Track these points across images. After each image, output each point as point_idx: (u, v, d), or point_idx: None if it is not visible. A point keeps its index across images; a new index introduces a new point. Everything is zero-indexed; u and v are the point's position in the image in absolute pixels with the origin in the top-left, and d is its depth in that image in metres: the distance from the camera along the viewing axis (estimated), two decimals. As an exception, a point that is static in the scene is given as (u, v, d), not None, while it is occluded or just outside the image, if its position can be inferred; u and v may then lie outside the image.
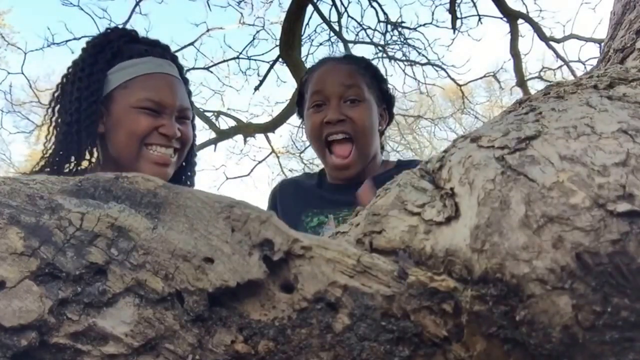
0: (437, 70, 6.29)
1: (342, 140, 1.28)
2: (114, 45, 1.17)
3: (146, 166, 1.12)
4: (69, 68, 1.21)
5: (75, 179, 0.51)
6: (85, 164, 1.18)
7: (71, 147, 1.13)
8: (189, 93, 1.27)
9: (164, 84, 1.16)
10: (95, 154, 1.18)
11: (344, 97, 1.29)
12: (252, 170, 7.04)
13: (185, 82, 1.26)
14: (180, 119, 1.18)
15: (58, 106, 1.19)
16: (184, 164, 1.27)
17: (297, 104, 1.48)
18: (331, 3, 5.49)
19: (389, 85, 1.45)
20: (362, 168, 1.30)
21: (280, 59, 5.28)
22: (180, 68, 1.26)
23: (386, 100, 1.41)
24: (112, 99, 1.14)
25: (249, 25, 6.29)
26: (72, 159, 1.14)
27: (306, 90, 1.37)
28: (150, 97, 1.13)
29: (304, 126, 1.42)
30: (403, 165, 1.32)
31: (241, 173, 6.97)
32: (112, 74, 1.15)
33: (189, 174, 1.31)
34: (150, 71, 1.16)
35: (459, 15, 5.37)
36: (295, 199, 1.38)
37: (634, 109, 0.47)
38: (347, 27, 5.77)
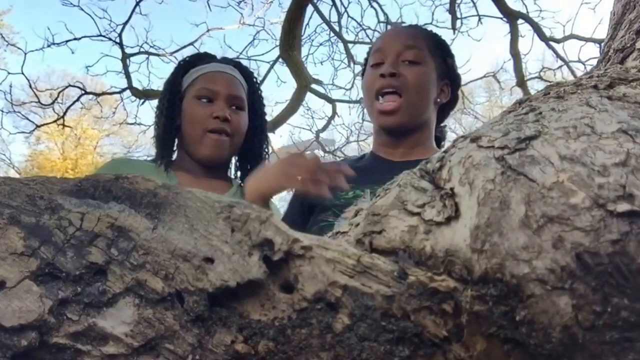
0: (437, 70, 6.27)
1: (392, 92, 1.25)
2: (191, 59, 1.47)
3: (206, 148, 1.34)
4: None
5: (75, 179, 0.51)
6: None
7: (164, 139, 1.40)
8: (256, 97, 1.47)
9: (218, 76, 1.39)
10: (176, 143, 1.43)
11: (402, 57, 1.27)
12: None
13: (252, 85, 1.46)
14: (233, 107, 1.38)
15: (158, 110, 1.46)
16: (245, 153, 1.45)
17: (362, 75, 1.45)
18: (331, 3, 5.50)
19: (456, 64, 1.39)
20: (409, 123, 1.26)
21: (280, 59, 5.28)
22: (247, 75, 1.47)
23: (450, 77, 1.36)
24: (184, 97, 1.40)
25: (249, 25, 6.29)
26: (166, 149, 1.40)
27: (370, 54, 1.36)
28: (204, 86, 1.37)
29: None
30: None
31: (241, 173, 6.95)
32: (185, 78, 1.42)
33: (253, 160, 1.46)
34: (210, 70, 1.41)
35: (458, 15, 5.38)
36: None
37: (634, 109, 0.47)
38: (347, 27, 5.78)
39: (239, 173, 1.51)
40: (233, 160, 1.50)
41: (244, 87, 1.44)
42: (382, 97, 1.26)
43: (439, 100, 1.33)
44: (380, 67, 1.29)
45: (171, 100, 1.41)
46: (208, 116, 1.34)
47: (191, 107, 1.37)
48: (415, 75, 1.26)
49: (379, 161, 1.33)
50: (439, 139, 1.42)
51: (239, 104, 1.39)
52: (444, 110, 1.40)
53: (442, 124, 1.43)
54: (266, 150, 1.50)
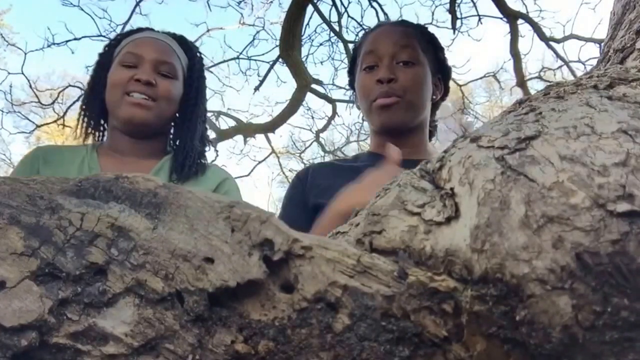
0: (437, 70, 6.28)
1: (391, 97, 1.24)
2: (125, 33, 1.37)
3: (124, 110, 1.23)
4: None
5: (75, 179, 0.51)
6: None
7: (91, 113, 1.32)
8: (195, 72, 1.35)
9: (146, 41, 1.29)
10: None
11: (396, 58, 1.24)
12: (252, 171, 7.04)
13: (192, 59, 1.35)
14: (162, 74, 1.27)
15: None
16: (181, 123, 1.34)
17: (348, 71, 1.44)
18: (331, 3, 5.49)
19: (446, 56, 1.38)
20: (409, 121, 1.25)
21: (280, 59, 5.28)
22: (188, 48, 1.36)
23: (442, 70, 1.35)
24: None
25: (249, 25, 6.29)
26: (92, 123, 1.33)
27: (359, 53, 1.33)
28: (129, 51, 1.26)
29: (354, 92, 1.37)
30: None
31: (241, 173, 6.97)
32: (116, 51, 1.31)
33: (188, 130, 1.33)
34: (140, 36, 1.31)
35: (459, 15, 5.37)
36: (333, 177, 1.31)
37: (634, 109, 0.47)
38: (347, 27, 5.78)
39: (172, 153, 1.37)
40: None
41: (179, 57, 1.33)
42: (380, 99, 1.24)
43: (434, 97, 1.32)
44: (374, 70, 1.26)
45: (96, 73, 1.31)
46: (129, 79, 1.24)
47: (113, 72, 1.27)
48: (412, 77, 1.24)
49: (380, 159, 1.31)
50: (431, 133, 1.41)
51: (168, 70, 1.28)
52: (437, 104, 1.39)
53: (434, 119, 1.41)
54: (203, 127, 1.38)
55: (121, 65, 1.27)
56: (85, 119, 1.34)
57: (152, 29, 1.37)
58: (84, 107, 1.34)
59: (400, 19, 1.58)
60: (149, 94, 1.24)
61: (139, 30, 1.37)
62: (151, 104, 1.24)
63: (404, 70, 1.24)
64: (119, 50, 1.31)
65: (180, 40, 1.38)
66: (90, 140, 1.37)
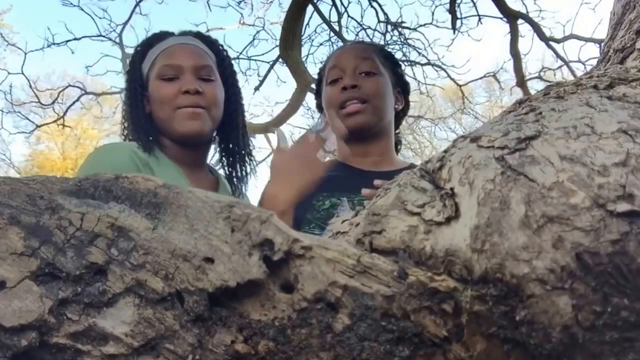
0: (437, 71, 6.29)
1: (357, 99, 1.32)
2: (146, 41, 1.32)
3: (180, 124, 1.21)
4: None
5: (75, 179, 0.51)
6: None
7: (141, 132, 1.25)
8: (227, 65, 1.33)
9: (178, 49, 1.26)
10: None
11: (358, 69, 1.34)
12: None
13: (218, 53, 1.32)
14: (203, 79, 1.24)
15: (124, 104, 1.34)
16: (226, 130, 1.31)
17: (315, 94, 1.51)
18: (331, 3, 5.49)
19: (404, 73, 1.50)
20: (375, 124, 1.33)
21: (280, 59, 5.28)
22: (211, 43, 1.33)
23: (400, 84, 1.45)
24: (148, 82, 1.27)
25: (249, 25, 6.29)
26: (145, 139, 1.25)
27: (324, 73, 1.42)
28: (166, 63, 1.23)
29: (322, 113, 1.43)
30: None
31: (241, 173, 6.95)
32: (144, 64, 1.28)
33: (234, 138, 1.32)
34: (168, 45, 1.27)
35: (459, 15, 5.37)
36: None
37: (634, 109, 0.47)
38: (347, 27, 5.77)
39: (222, 158, 1.35)
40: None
41: (210, 57, 1.30)
42: (346, 105, 1.32)
43: (396, 106, 1.42)
44: (339, 82, 1.34)
45: (133, 89, 1.27)
46: (176, 93, 1.20)
47: (156, 89, 1.23)
48: (374, 84, 1.34)
49: (350, 170, 1.36)
50: (397, 145, 1.50)
51: (208, 74, 1.25)
52: (399, 117, 1.48)
53: (397, 131, 1.50)
54: (243, 122, 1.35)
55: (161, 79, 1.23)
56: (136, 130, 1.27)
57: (172, 33, 1.33)
58: (130, 123, 1.28)
59: (360, 40, 1.81)
60: (200, 103, 1.21)
61: (160, 37, 1.32)
62: (203, 113, 1.22)
63: (366, 80, 1.34)
64: (152, 64, 1.27)
65: (201, 37, 1.34)
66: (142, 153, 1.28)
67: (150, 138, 1.25)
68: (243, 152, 1.32)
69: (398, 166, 1.36)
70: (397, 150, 1.50)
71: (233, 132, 1.32)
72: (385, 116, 1.36)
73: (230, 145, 1.32)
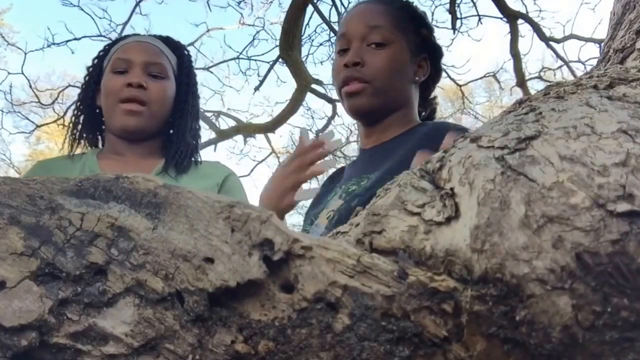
0: (437, 71, 6.28)
1: (357, 80, 1.17)
2: (113, 41, 1.41)
3: (118, 118, 1.27)
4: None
5: (75, 179, 0.51)
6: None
7: (87, 124, 1.36)
8: (185, 70, 1.38)
9: (133, 45, 1.32)
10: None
11: (367, 40, 1.17)
12: (252, 171, 7.04)
13: (181, 58, 1.38)
14: (152, 75, 1.29)
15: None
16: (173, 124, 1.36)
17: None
18: (331, 3, 5.49)
19: (434, 35, 1.30)
20: (379, 106, 1.17)
21: (280, 59, 5.28)
22: (176, 47, 1.39)
23: (429, 49, 1.25)
24: (103, 75, 1.33)
25: (249, 25, 6.29)
26: (91, 134, 1.36)
27: (336, 38, 1.30)
28: (119, 57, 1.29)
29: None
30: (423, 126, 1.19)
31: (241, 173, 6.96)
32: (105, 60, 1.34)
33: (179, 127, 1.35)
34: (127, 41, 1.34)
35: (458, 15, 5.37)
36: (324, 185, 1.33)
37: (634, 109, 0.47)
38: (347, 28, 5.76)
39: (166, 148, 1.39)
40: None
41: (168, 58, 1.35)
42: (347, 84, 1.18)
43: (417, 78, 1.22)
44: (345, 54, 1.19)
45: (87, 83, 1.35)
46: (122, 85, 1.26)
47: (106, 80, 1.30)
48: (381, 60, 1.16)
49: (358, 153, 1.29)
50: (431, 113, 1.35)
51: (159, 71, 1.30)
52: (428, 85, 1.30)
53: (431, 97, 1.33)
54: (193, 127, 1.39)
55: (112, 72, 1.29)
56: (78, 128, 1.37)
57: (137, 34, 1.43)
58: (76, 116, 1.37)
59: None
60: (141, 98, 1.26)
61: (126, 37, 1.41)
62: (142, 109, 1.27)
63: (373, 53, 1.17)
64: (109, 59, 1.33)
65: (167, 40, 1.40)
66: (79, 149, 1.39)
67: (98, 133, 1.36)
68: (182, 148, 1.35)
69: (394, 134, 1.20)
70: (431, 119, 1.32)
71: (177, 129, 1.36)
72: (393, 96, 1.18)
73: (171, 140, 1.36)
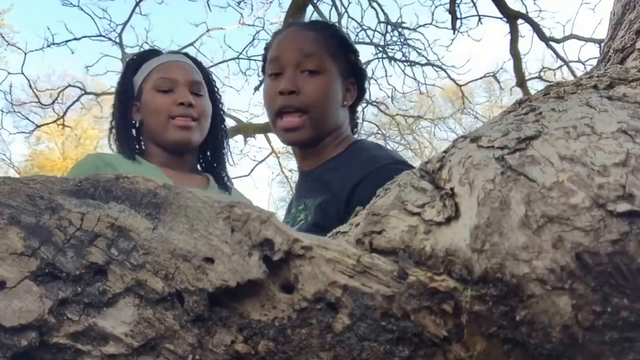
0: (437, 71, 6.30)
1: (293, 112, 1.18)
2: (139, 57, 1.49)
3: (173, 133, 1.36)
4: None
5: (75, 179, 0.51)
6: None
7: (123, 140, 1.42)
8: (212, 84, 1.50)
9: (174, 65, 1.42)
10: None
11: (301, 67, 1.18)
12: (252, 171, 7.04)
13: (203, 71, 1.49)
14: (194, 93, 1.40)
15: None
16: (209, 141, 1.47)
17: (262, 70, 1.38)
18: (331, 3, 5.50)
19: (359, 58, 1.33)
20: (316, 136, 1.20)
21: (280, 59, 5.27)
22: (198, 63, 1.50)
23: (355, 73, 1.28)
24: (141, 92, 1.41)
25: (249, 25, 6.29)
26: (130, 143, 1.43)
27: (267, 56, 1.29)
28: (162, 76, 1.39)
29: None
30: (352, 151, 1.22)
31: (241, 173, 6.96)
32: (137, 76, 1.43)
33: (216, 149, 1.49)
34: (164, 61, 1.44)
35: (458, 15, 5.37)
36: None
37: (634, 109, 0.47)
38: (347, 28, 5.77)
39: (202, 163, 1.50)
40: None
41: (199, 74, 1.46)
42: (284, 116, 1.19)
43: (345, 103, 1.26)
44: (278, 78, 1.20)
45: (123, 100, 1.43)
46: (171, 104, 1.36)
47: (152, 99, 1.38)
48: (317, 87, 1.18)
49: (301, 175, 1.31)
50: (353, 131, 1.36)
51: (199, 89, 1.42)
52: (354, 105, 1.33)
53: (355, 118, 1.36)
54: (226, 140, 1.54)
55: (157, 91, 1.38)
56: (123, 140, 1.42)
57: (160, 51, 1.51)
58: (118, 132, 1.43)
59: (311, 20, 1.51)
60: (193, 114, 1.37)
61: (155, 53, 1.49)
62: (194, 124, 1.37)
63: (308, 81, 1.18)
64: (147, 76, 1.41)
65: (189, 57, 1.51)
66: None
67: (136, 145, 1.44)
68: (223, 160, 1.50)
69: (329, 156, 1.22)
70: (354, 133, 1.35)
71: (217, 142, 1.49)
72: (329, 124, 1.21)
73: (213, 153, 1.50)
